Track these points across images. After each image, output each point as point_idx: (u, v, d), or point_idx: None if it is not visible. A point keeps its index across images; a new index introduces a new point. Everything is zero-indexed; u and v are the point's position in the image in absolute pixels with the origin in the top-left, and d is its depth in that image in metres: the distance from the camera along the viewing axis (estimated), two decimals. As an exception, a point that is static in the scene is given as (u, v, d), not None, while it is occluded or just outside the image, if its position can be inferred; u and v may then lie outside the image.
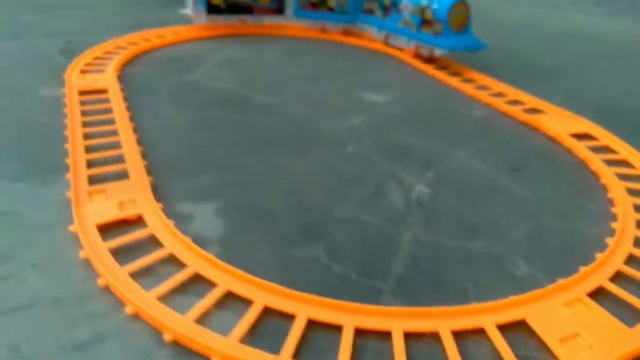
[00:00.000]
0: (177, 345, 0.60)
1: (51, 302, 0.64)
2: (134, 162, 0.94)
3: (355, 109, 1.26)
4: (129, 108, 1.18)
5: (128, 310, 0.63)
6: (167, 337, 0.60)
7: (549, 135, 1.18)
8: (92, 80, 1.31)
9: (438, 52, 1.57)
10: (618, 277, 0.74)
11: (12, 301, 0.64)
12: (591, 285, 0.71)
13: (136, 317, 0.63)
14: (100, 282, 0.67)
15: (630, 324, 0.65)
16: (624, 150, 1.10)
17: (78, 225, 0.75)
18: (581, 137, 1.16)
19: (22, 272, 0.69)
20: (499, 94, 1.40)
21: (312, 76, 1.49)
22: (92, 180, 0.88)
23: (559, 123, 1.21)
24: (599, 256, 0.77)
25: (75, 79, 1.31)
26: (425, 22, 1.57)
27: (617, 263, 0.75)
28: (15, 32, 1.73)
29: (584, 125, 1.22)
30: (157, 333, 0.61)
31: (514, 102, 1.35)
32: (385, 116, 1.23)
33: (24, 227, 0.77)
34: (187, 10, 1.77)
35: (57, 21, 1.89)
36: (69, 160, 0.93)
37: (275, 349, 0.59)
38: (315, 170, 0.98)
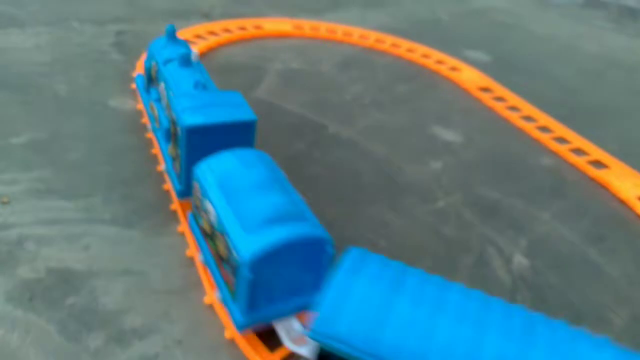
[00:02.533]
0: None
1: (210, 391, 0.65)
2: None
3: (432, 150, 1.27)
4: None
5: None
6: None
7: (619, 197, 1.22)
8: (165, 95, 1.27)
9: None
10: None
11: (172, 388, 0.65)
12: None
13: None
14: (254, 368, 0.68)
15: None
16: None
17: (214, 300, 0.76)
18: (649, 200, 1.21)
19: (170, 351, 0.69)
20: (561, 139, 1.43)
21: (376, 100, 1.48)
22: (205, 233, 0.88)
23: (625, 183, 1.25)
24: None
25: (146, 90, 1.28)
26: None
27: None
28: (51, 15, 1.65)
29: (650, 187, 1.26)
30: None
31: (578, 151, 1.38)
32: (462, 162, 1.25)
33: (155, 292, 0.77)
34: None
35: (90, 2, 1.81)
36: (173, 207, 0.93)
37: None
38: (413, 228, 1.00)
